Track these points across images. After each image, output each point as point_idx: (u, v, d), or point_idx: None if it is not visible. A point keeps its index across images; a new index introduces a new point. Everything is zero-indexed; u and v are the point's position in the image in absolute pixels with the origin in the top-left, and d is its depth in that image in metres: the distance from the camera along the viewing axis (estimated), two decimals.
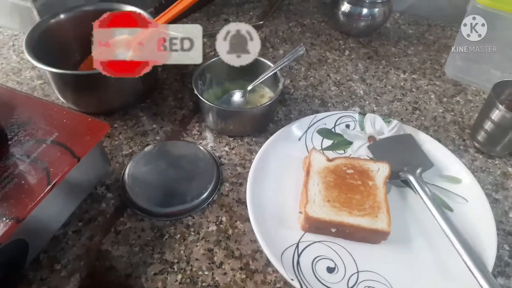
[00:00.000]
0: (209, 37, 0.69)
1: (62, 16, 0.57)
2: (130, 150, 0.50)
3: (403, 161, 0.46)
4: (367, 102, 0.58)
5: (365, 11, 0.67)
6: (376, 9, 0.67)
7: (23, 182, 0.36)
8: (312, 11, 0.77)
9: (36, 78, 0.60)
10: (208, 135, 0.52)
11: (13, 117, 0.42)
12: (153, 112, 0.55)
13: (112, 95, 0.53)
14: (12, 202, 0.34)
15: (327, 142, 0.50)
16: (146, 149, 0.49)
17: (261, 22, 0.73)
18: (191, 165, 0.47)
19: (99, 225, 0.42)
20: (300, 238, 0.40)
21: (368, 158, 0.48)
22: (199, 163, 0.47)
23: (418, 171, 0.45)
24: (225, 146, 0.51)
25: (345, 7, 0.68)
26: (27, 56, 0.49)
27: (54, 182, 0.36)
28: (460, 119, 0.56)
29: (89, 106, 0.53)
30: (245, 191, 0.43)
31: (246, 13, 0.76)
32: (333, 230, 0.40)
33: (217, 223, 0.43)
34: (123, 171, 0.46)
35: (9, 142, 0.39)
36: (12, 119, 0.41)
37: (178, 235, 0.41)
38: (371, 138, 0.51)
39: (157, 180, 0.45)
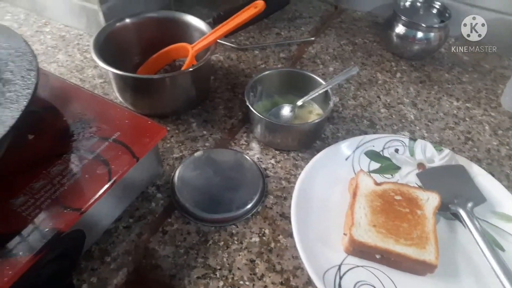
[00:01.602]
0: (261, 49, 0.71)
1: (127, 20, 0.60)
2: (181, 154, 0.51)
3: (454, 193, 0.45)
4: (417, 128, 0.57)
5: (420, 34, 0.66)
6: (432, 34, 0.66)
7: (86, 176, 0.38)
8: (364, 31, 0.77)
9: (97, 76, 0.64)
10: (255, 146, 0.53)
11: (80, 114, 0.45)
12: (204, 119, 0.57)
13: (168, 99, 0.55)
14: (76, 194, 0.37)
15: (375, 165, 0.50)
16: (195, 154, 0.50)
17: (312, 38, 0.74)
18: (237, 174, 0.48)
19: (148, 223, 0.44)
20: (343, 260, 0.40)
21: (417, 186, 0.47)
22: (245, 173, 0.48)
23: (470, 205, 0.44)
24: (271, 159, 0.51)
25: (400, 29, 0.67)
26: (94, 56, 0.52)
27: (114, 179, 0.38)
28: None
29: (145, 108, 0.55)
30: (289, 206, 0.44)
31: (298, 28, 0.77)
32: (378, 256, 0.39)
33: (260, 234, 0.43)
34: (173, 174, 0.48)
35: (75, 137, 0.42)
36: (79, 116, 0.44)
37: (222, 242, 0.42)
38: (420, 165, 0.50)
39: (205, 186, 0.46)
